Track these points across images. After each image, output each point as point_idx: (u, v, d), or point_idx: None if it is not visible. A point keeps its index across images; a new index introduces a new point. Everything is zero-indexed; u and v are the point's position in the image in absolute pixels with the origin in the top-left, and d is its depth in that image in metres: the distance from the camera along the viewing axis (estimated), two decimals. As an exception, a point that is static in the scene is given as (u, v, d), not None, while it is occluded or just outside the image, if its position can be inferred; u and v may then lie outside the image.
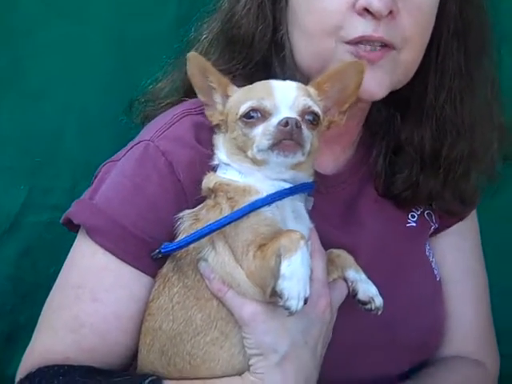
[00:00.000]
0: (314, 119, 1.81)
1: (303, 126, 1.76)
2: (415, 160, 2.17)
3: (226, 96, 1.89)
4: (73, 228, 1.99)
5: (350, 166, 2.19)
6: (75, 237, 1.99)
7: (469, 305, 2.32)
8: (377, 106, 2.15)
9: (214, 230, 1.78)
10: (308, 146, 1.78)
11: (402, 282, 2.14)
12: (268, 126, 1.76)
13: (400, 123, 2.18)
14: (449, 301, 2.29)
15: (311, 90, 1.88)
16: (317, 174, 1.93)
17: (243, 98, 1.84)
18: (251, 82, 1.92)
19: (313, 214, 1.90)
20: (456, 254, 2.34)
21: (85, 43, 2.50)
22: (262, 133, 1.77)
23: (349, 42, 1.95)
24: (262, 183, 1.82)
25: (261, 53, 2.06)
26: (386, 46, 1.96)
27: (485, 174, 2.29)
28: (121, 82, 2.52)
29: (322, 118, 1.83)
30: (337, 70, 1.89)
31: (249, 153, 1.81)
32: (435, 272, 2.26)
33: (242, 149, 1.83)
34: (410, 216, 2.25)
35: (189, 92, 2.04)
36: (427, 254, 2.27)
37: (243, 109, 1.80)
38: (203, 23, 2.21)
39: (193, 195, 1.89)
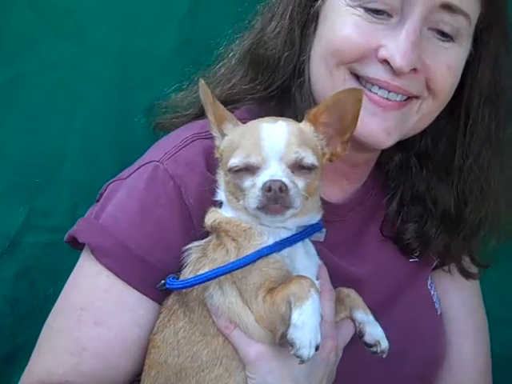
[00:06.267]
0: (309, 167, 1.76)
1: (290, 186, 1.71)
2: (432, 214, 2.17)
3: (222, 133, 1.84)
4: (76, 246, 1.98)
5: (356, 196, 2.19)
6: (74, 258, 1.99)
7: (468, 343, 2.34)
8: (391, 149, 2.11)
9: (220, 275, 1.77)
10: (298, 203, 1.73)
11: (402, 315, 2.15)
12: (254, 188, 1.73)
13: (420, 174, 2.17)
14: (448, 338, 2.30)
15: (306, 126, 1.81)
16: (323, 201, 1.89)
17: (234, 146, 1.79)
18: (266, 107, 1.93)
19: (317, 242, 1.88)
20: (457, 293, 2.36)
21: (85, 64, 2.50)
22: (249, 193, 1.74)
23: (360, 77, 1.94)
24: (264, 226, 1.80)
25: (283, 77, 2.05)
26: (408, 98, 1.96)
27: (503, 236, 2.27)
28: (121, 102, 2.52)
29: (318, 164, 1.78)
30: (333, 100, 1.81)
31: (241, 202, 1.78)
32: (436, 306, 2.28)
33: (234, 195, 1.81)
34: None
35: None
36: (429, 287, 2.29)
37: (231, 164, 1.77)
38: (235, 38, 2.20)
39: (199, 221, 1.88)
